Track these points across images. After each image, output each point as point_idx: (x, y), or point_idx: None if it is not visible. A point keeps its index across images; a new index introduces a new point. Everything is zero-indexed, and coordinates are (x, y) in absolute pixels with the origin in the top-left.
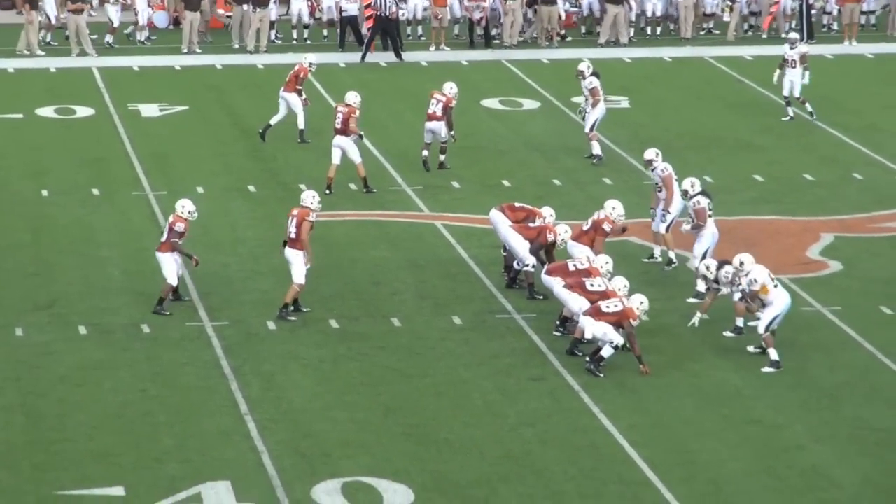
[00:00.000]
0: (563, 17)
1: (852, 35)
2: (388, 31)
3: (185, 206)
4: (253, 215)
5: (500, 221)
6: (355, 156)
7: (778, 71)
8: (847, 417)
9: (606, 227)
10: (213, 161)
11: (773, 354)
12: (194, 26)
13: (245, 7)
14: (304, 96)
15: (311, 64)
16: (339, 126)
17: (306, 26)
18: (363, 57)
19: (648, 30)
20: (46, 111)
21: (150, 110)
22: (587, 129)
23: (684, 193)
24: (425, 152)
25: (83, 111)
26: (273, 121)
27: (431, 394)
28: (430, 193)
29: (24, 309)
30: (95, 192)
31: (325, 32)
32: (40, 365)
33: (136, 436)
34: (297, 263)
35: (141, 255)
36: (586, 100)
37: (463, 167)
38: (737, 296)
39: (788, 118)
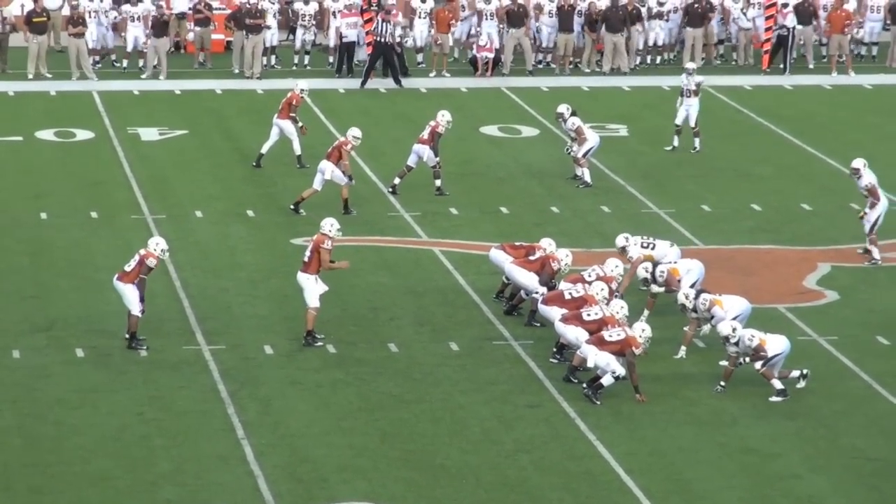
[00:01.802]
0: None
1: (846, 66)
2: (388, 58)
3: (158, 244)
4: (251, 240)
5: (501, 260)
6: (340, 179)
7: (679, 98)
8: (843, 447)
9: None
10: (211, 185)
11: (777, 384)
12: (160, 52)
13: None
14: (299, 123)
15: (302, 90)
16: (329, 151)
17: (307, 52)
18: (363, 83)
19: (648, 58)
20: (46, 134)
21: (149, 134)
22: (580, 156)
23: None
24: (397, 180)
25: (83, 134)
26: (264, 148)
27: (428, 420)
28: (429, 220)
29: (22, 331)
30: (94, 215)
31: (330, 59)
32: (37, 387)
33: (132, 459)
34: (309, 288)
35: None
36: (573, 139)
37: (461, 194)
38: (755, 363)
39: (671, 148)
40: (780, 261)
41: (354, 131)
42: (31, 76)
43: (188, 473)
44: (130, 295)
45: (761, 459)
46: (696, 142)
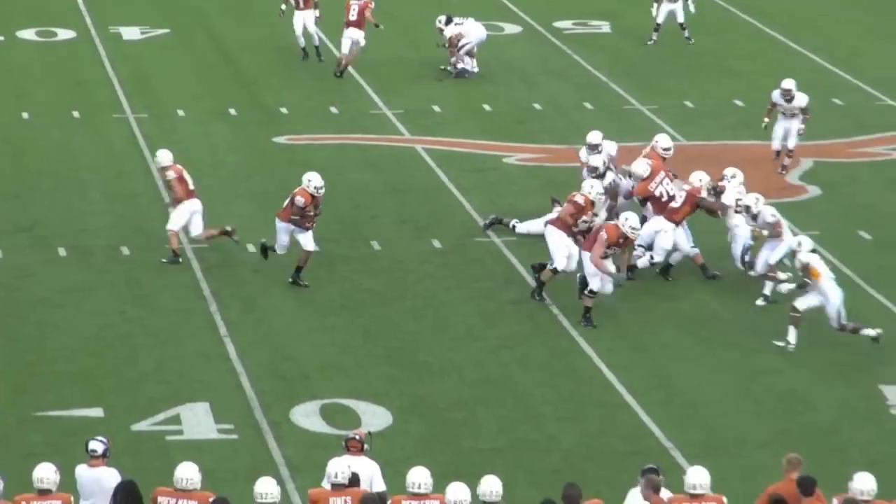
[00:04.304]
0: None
1: None
2: None
3: (311, 181)
4: (234, 139)
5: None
6: (357, 48)
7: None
8: (825, 341)
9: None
10: (194, 84)
11: (768, 288)
12: None
13: None
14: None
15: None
16: (353, 18)
17: None
18: None
19: None
20: (27, 34)
21: (131, 33)
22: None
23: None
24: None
25: (64, 34)
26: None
27: (411, 317)
28: (411, 117)
29: (4, 231)
30: (76, 114)
31: None
32: (20, 287)
33: (115, 358)
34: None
35: (121, 178)
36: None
37: (444, 92)
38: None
39: (651, 42)
40: (763, 157)
41: None
42: None
43: (171, 371)
44: (280, 233)
45: (743, 355)
46: (686, 32)
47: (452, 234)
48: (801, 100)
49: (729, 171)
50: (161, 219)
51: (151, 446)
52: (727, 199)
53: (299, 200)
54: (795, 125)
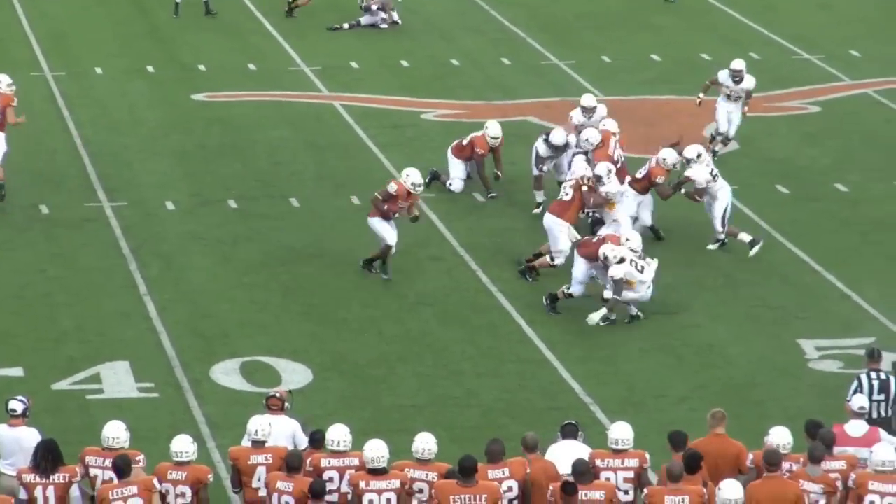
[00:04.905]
0: None
1: None
2: None
3: (409, 177)
4: (152, 96)
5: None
6: None
7: None
8: (743, 296)
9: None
10: (111, 42)
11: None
12: None
13: None
14: None
15: None
16: None
17: None
18: None
19: None
20: None
21: None
22: None
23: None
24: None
25: None
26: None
27: (330, 274)
28: (329, 74)
29: None
30: None
31: None
32: None
33: (35, 317)
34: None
35: (39, 136)
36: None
37: (362, 48)
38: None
39: None
40: (681, 111)
41: None
42: None
43: (91, 330)
44: (376, 229)
45: (662, 309)
46: None
47: (371, 190)
48: (749, 82)
49: (693, 152)
50: (79, 176)
51: (72, 405)
52: (699, 178)
53: (392, 187)
54: (737, 111)
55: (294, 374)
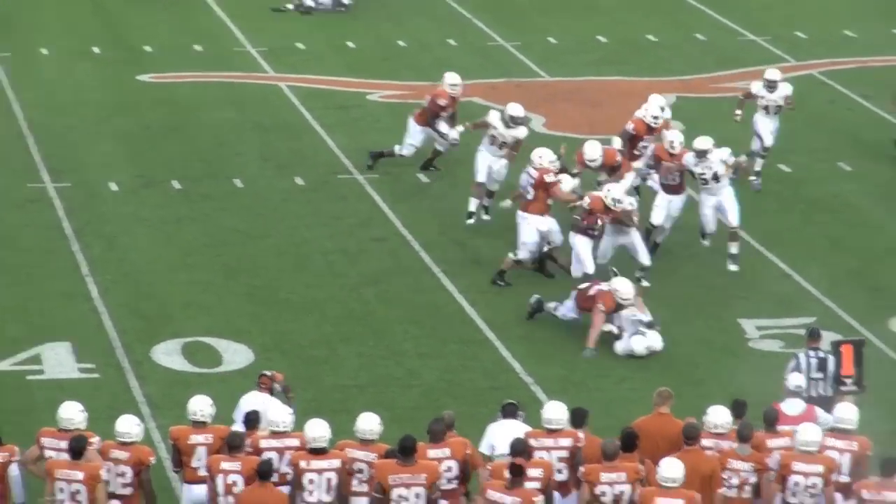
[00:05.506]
0: None
1: None
2: None
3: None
4: (97, 77)
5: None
6: None
7: None
8: (684, 276)
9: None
10: (56, 23)
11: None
12: None
13: None
14: None
15: None
16: None
17: None
18: None
19: None
20: None
21: None
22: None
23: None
24: None
25: None
26: None
27: (273, 254)
28: (275, 55)
29: None
30: None
31: None
32: None
33: None
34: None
35: None
36: None
37: (308, 29)
38: None
39: None
40: (627, 92)
41: None
42: None
43: (32, 311)
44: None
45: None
46: None
47: (315, 171)
48: (786, 89)
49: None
50: (23, 157)
51: (12, 386)
52: (716, 165)
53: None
54: (776, 123)
55: (236, 355)
